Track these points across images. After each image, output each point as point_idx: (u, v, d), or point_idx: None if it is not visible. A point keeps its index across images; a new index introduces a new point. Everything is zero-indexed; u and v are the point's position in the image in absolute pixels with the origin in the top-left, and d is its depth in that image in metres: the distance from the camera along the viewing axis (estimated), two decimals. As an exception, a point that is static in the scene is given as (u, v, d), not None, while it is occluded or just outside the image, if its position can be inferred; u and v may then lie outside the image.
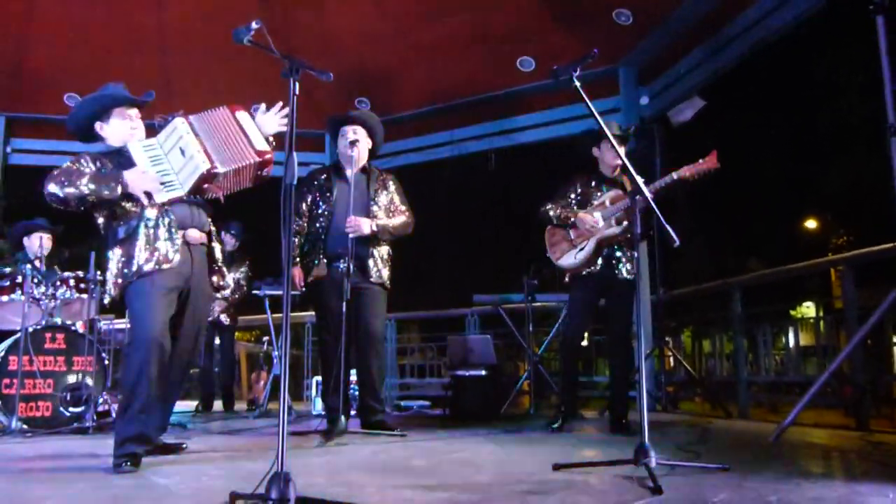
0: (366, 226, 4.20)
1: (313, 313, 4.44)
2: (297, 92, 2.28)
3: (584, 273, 4.29)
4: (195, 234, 3.17)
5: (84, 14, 6.32)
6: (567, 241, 4.36)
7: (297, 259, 4.33)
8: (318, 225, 4.32)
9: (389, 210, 4.38)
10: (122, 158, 3.08)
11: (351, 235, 4.13)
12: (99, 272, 4.75)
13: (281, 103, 3.21)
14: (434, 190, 8.04)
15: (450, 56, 6.87)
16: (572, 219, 4.29)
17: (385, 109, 7.17)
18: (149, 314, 2.94)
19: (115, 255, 3.05)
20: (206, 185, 3.00)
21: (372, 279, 4.26)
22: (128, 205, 3.03)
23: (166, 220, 3.06)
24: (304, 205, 4.37)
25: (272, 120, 3.21)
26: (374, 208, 4.32)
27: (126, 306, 3.02)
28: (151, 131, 3.16)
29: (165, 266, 3.01)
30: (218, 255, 3.33)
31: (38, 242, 5.23)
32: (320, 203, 4.35)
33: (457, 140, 7.73)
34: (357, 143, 4.31)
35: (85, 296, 4.90)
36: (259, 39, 2.60)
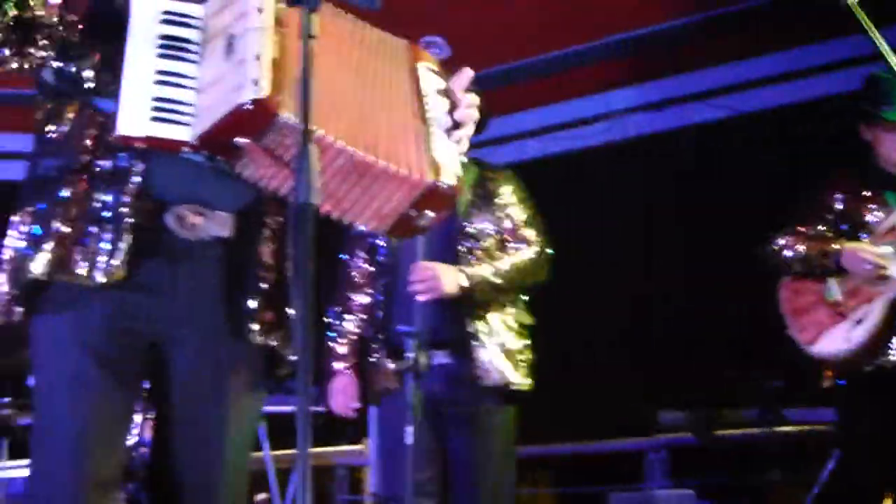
0: (448, 278, 4.23)
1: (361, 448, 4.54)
2: (314, 32, 2.35)
3: (868, 369, 4.26)
4: (197, 219, 2.65)
5: None
6: (828, 304, 4.36)
7: (347, 356, 4.47)
8: (377, 288, 4.48)
9: (503, 242, 4.45)
10: (108, 13, 2.62)
11: (421, 298, 4.18)
12: None
13: (471, 72, 2.85)
14: (574, 203, 8.05)
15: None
16: (835, 260, 4.27)
17: (475, 58, 7.29)
18: (52, 402, 2.64)
19: (16, 219, 2.70)
20: (240, 141, 2.44)
21: (485, 381, 4.27)
22: (69, 114, 2.66)
23: (128, 178, 2.59)
24: (361, 255, 4.51)
25: (467, 112, 2.76)
26: (467, 248, 4.38)
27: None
28: None
29: (82, 278, 2.55)
30: (264, 282, 2.75)
31: None
32: (380, 247, 4.51)
33: (618, 112, 7.76)
34: None
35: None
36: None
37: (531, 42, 7.59)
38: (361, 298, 4.51)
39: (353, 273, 4.54)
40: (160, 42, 2.49)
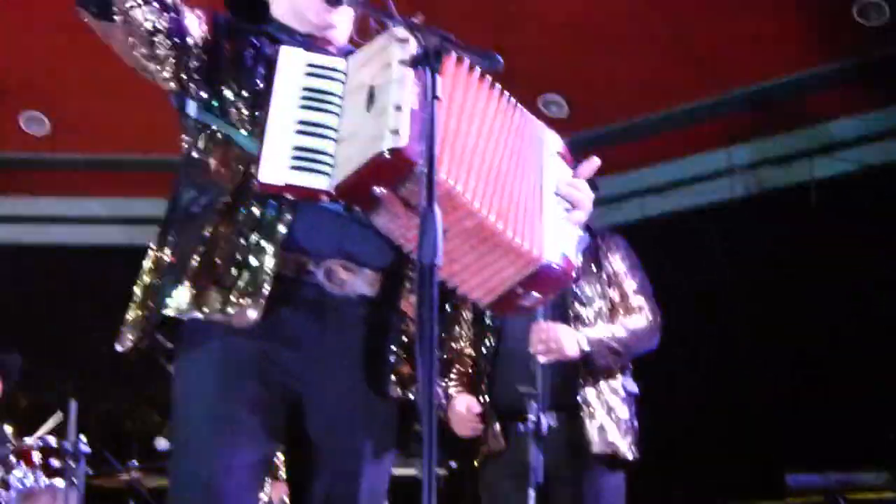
0: (570, 340, 4.21)
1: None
2: (439, 93, 2.35)
3: None
4: (346, 274, 2.67)
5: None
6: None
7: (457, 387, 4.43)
8: (483, 347, 4.45)
9: (613, 308, 4.43)
10: (258, 59, 2.76)
11: (542, 360, 4.16)
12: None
13: (598, 161, 2.88)
14: (697, 259, 7.96)
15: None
16: None
17: (596, 115, 7.29)
18: (192, 444, 2.63)
19: (153, 252, 2.75)
20: (377, 190, 2.44)
21: (595, 449, 4.23)
22: (214, 151, 2.70)
23: (275, 226, 2.62)
24: (466, 310, 4.44)
25: (584, 195, 2.79)
26: (576, 312, 4.35)
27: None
28: None
29: (218, 319, 2.58)
30: (404, 335, 2.79)
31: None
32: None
33: (740, 166, 7.67)
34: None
35: (60, 482, 5.19)
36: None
37: (652, 98, 7.57)
38: (466, 350, 4.50)
39: (458, 327, 4.52)
40: (303, 93, 2.56)
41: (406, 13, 2.49)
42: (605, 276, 4.47)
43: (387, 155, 2.33)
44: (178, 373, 2.72)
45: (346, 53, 2.71)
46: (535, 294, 2.61)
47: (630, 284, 4.48)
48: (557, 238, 2.60)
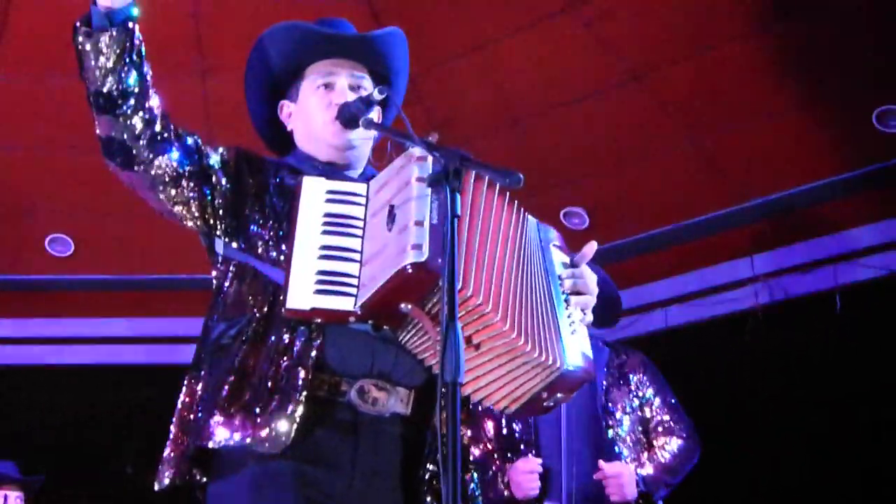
0: (630, 486, 4.25)
1: None
2: (460, 210, 2.37)
3: None
4: (379, 393, 2.66)
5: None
6: None
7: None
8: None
9: (651, 429, 4.46)
10: (281, 191, 2.83)
11: (614, 499, 4.22)
12: None
13: (595, 245, 2.85)
14: (719, 373, 7.90)
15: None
16: None
17: (618, 226, 7.33)
18: None
19: (185, 388, 2.76)
20: (404, 306, 2.48)
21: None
22: (243, 282, 2.76)
23: (305, 351, 2.63)
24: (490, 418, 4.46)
25: (587, 279, 2.79)
26: (609, 424, 4.38)
27: None
28: None
29: (265, 440, 2.56)
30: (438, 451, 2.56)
31: (1, 504, 5.65)
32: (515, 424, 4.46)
33: (763, 275, 7.67)
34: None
35: None
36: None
37: (673, 208, 7.60)
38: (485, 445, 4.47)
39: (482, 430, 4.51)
40: (325, 219, 2.61)
41: (424, 131, 2.53)
42: (632, 395, 4.49)
43: (409, 270, 2.37)
44: (212, 500, 2.70)
45: (366, 178, 2.77)
46: (559, 395, 2.63)
47: (663, 406, 4.52)
48: (573, 338, 2.62)
